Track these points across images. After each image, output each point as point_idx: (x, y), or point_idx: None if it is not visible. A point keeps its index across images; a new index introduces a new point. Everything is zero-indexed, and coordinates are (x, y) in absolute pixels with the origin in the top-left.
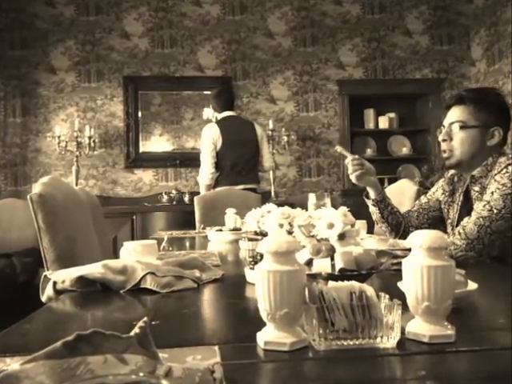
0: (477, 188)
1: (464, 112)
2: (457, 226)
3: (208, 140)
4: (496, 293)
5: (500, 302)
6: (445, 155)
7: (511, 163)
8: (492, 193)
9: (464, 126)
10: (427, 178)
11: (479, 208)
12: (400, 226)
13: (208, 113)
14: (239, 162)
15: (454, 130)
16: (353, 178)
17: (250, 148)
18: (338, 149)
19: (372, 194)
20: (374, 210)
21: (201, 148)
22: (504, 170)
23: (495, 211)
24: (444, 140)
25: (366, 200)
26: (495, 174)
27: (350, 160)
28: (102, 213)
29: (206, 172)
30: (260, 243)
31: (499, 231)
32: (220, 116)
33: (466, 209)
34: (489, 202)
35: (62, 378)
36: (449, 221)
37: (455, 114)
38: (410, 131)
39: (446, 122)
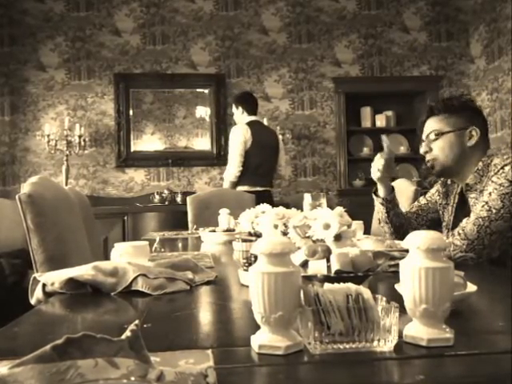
0: (473, 195)
1: (436, 121)
2: (452, 228)
3: (239, 139)
4: (496, 295)
5: (500, 305)
6: (428, 165)
7: (507, 163)
8: (490, 193)
9: (439, 134)
10: (425, 177)
11: (478, 209)
12: (402, 227)
13: (201, 111)
14: (262, 164)
15: (433, 142)
16: (374, 173)
17: (272, 153)
18: (385, 141)
19: (382, 192)
20: (380, 209)
21: (230, 146)
22: (501, 171)
23: (494, 211)
24: (426, 152)
25: (375, 197)
26: (492, 176)
27: (384, 157)
28: (93, 213)
29: (234, 170)
30: (254, 244)
31: (499, 231)
32: (247, 119)
33: (463, 213)
34: (487, 203)
35: (51, 382)
36: (444, 223)
37: (429, 126)
38: (408, 130)
39: (423, 136)
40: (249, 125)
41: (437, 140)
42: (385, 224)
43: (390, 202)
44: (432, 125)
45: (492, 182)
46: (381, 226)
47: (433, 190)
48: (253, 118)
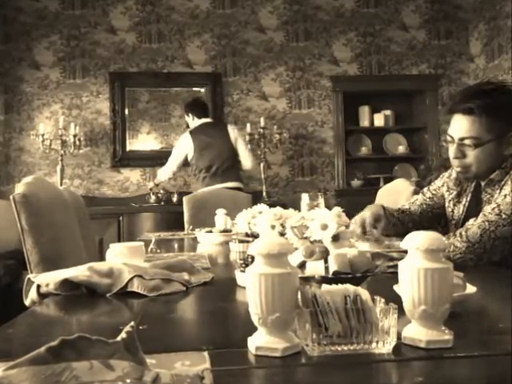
0: (489, 190)
1: (475, 125)
2: (461, 227)
3: (179, 149)
4: (495, 296)
5: (499, 306)
6: (458, 170)
7: None
8: (505, 195)
9: (478, 144)
10: (424, 177)
11: (487, 210)
12: (400, 230)
13: None
14: (213, 164)
15: (468, 148)
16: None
17: (223, 150)
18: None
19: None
20: None
21: (173, 151)
22: None
23: (504, 216)
24: (457, 157)
25: None
26: None
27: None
28: (88, 214)
29: (166, 174)
30: (251, 245)
31: (504, 237)
32: (197, 123)
33: (475, 212)
34: (499, 206)
35: None
36: (453, 221)
37: (465, 127)
38: (407, 129)
39: (454, 134)
40: (193, 131)
41: (473, 148)
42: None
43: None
44: (468, 127)
45: (511, 182)
46: None
47: (438, 183)
48: (203, 120)
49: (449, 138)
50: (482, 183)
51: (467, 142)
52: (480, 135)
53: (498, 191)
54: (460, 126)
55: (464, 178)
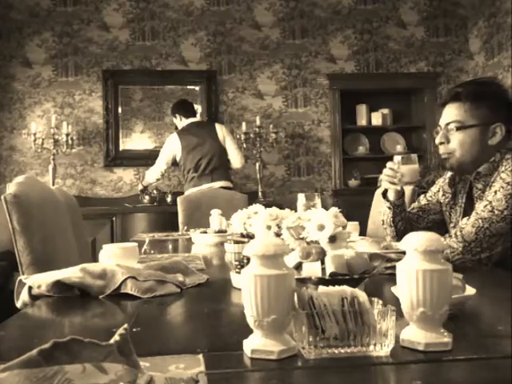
0: (480, 186)
1: (460, 110)
2: None
3: (167, 150)
4: (495, 298)
5: (499, 308)
6: (443, 157)
7: None
8: (495, 192)
9: (461, 127)
10: (423, 177)
11: (479, 208)
12: (406, 232)
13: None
14: (201, 163)
15: (451, 132)
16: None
17: (211, 149)
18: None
19: (392, 196)
20: (386, 212)
21: (160, 152)
22: (510, 168)
23: (496, 212)
24: (441, 143)
25: (383, 200)
26: (502, 171)
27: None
28: (81, 214)
29: (154, 175)
30: (246, 246)
31: (499, 233)
32: (185, 123)
33: (471, 212)
34: (490, 203)
35: None
36: (451, 224)
37: (451, 113)
38: (405, 128)
39: (441, 123)
40: (181, 132)
41: (457, 133)
42: (388, 227)
43: (398, 207)
44: (454, 113)
45: (500, 178)
46: (384, 227)
47: (434, 189)
48: (190, 120)
49: (438, 129)
50: (471, 179)
51: (451, 126)
52: (463, 119)
53: (488, 188)
54: (447, 113)
55: (449, 167)
